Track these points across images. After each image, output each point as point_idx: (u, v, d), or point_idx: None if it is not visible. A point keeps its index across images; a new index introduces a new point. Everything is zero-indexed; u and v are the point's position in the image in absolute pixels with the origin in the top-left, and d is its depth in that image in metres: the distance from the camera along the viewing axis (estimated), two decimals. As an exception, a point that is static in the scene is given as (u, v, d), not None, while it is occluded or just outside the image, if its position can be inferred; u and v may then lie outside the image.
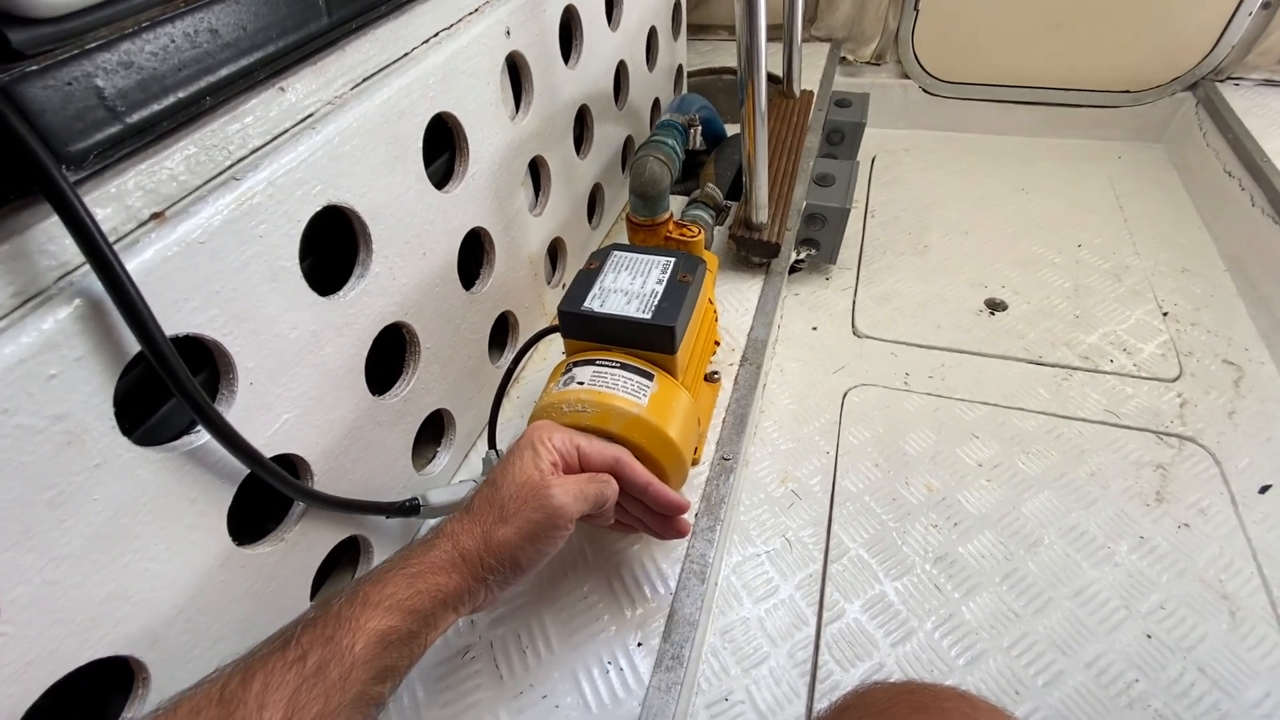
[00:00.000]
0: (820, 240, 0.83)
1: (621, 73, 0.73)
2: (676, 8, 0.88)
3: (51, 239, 0.25)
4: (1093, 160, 1.04)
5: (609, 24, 0.67)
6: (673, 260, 0.47)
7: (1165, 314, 0.78)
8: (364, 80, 0.38)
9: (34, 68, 0.22)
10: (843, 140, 0.96)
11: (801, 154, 0.83)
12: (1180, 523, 0.59)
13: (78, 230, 0.24)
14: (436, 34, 0.44)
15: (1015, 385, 0.72)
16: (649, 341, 0.44)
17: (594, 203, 0.74)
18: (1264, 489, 0.61)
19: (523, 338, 0.61)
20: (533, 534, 0.35)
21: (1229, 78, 0.98)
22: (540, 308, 0.65)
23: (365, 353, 0.41)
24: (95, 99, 0.25)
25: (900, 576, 0.57)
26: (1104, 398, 0.70)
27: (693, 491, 0.52)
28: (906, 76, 1.12)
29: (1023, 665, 0.51)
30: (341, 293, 0.39)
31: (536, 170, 0.60)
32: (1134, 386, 0.71)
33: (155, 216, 0.28)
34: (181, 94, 0.28)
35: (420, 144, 0.42)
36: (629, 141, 0.79)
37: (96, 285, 0.25)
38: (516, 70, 0.54)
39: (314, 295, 0.36)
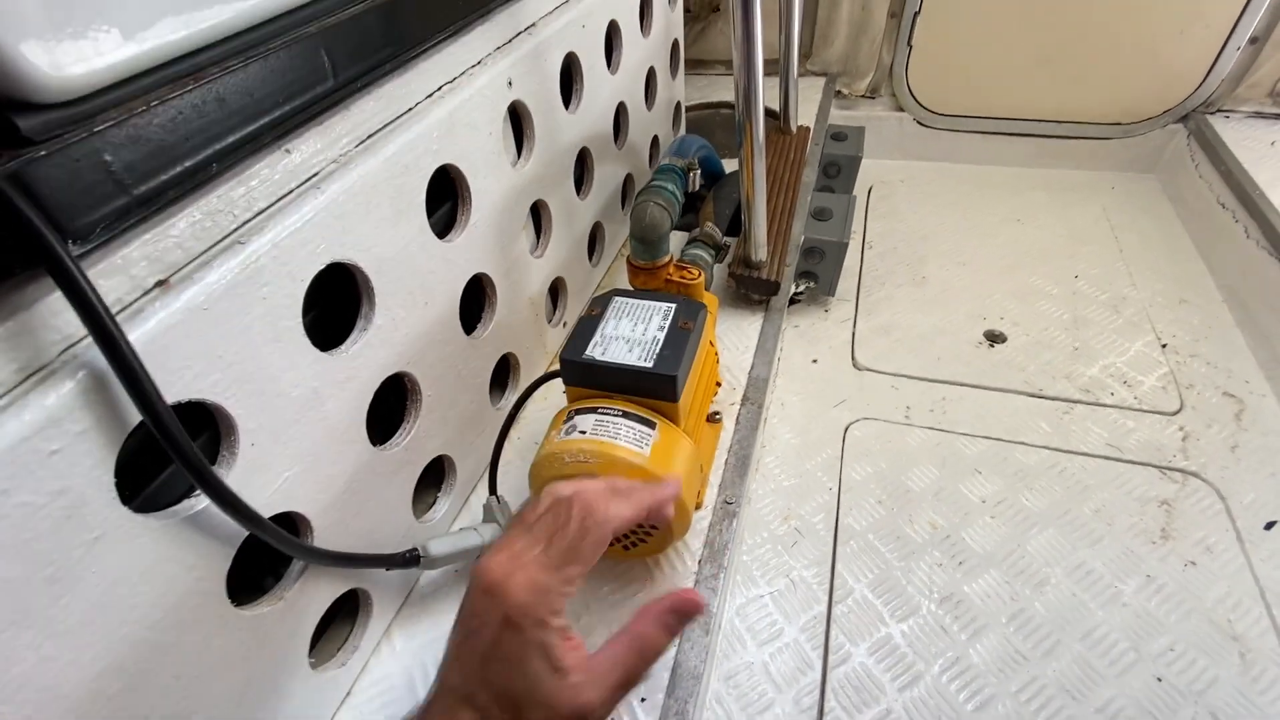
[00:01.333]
0: (819, 273, 0.83)
1: (621, 113, 0.74)
2: (674, 47, 0.89)
3: (56, 313, 0.25)
4: (1086, 191, 1.05)
5: (608, 67, 0.68)
6: (674, 306, 0.47)
7: (1164, 346, 0.79)
8: (368, 137, 0.39)
9: (42, 153, 0.22)
10: (839, 173, 0.97)
11: (799, 189, 0.84)
12: (1187, 560, 0.59)
13: (81, 305, 0.24)
14: (440, 88, 0.44)
15: (1017, 419, 0.72)
16: (651, 390, 0.44)
17: (594, 241, 0.74)
18: (1269, 525, 0.61)
19: (524, 378, 0.62)
20: None
21: (1219, 110, 1.00)
22: (541, 348, 0.65)
23: (367, 405, 0.41)
24: (103, 174, 0.25)
25: (906, 618, 0.56)
26: (1106, 431, 0.70)
27: (695, 537, 0.52)
28: (901, 109, 1.14)
29: (1032, 711, 0.50)
30: (343, 347, 0.39)
31: (538, 213, 0.60)
32: (1135, 420, 0.71)
33: (160, 284, 0.28)
34: (188, 163, 0.29)
35: (423, 197, 0.43)
36: (628, 179, 0.80)
37: (100, 357, 0.25)
38: (518, 117, 0.55)
39: (316, 352, 0.36)
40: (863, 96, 1.15)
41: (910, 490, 0.66)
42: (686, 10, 0.98)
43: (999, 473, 0.67)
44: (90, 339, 0.26)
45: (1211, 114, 1.00)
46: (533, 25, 0.54)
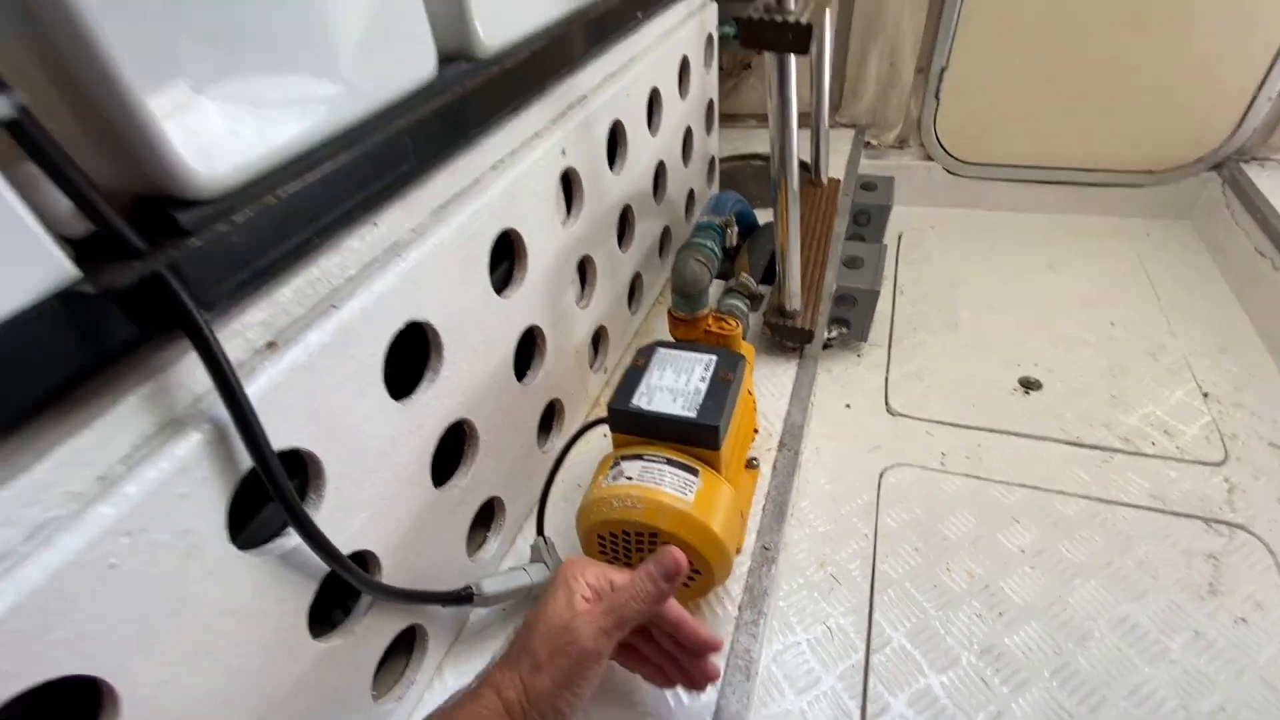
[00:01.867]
0: (851, 319, 0.85)
1: (660, 171, 0.78)
2: (710, 105, 0.94)
3: (188, 373, 0.29)
4: (1120, 237, 1.06)
5: (650, 130, 0.73)
6: (714, 358, 0.50)
7: (1206, 395, 0.78)
8: (442, 207, 0.43)
9: (198, 244, 0.26)
10: (869, 222, 1.00)
11: (831, 239, 0.87)
12: (1237, 617, 0.57)
13: (213, 367, 0.28)
14: (501, 159, 0.49)
15: (1054, 467, 0.72)
16: (694, 438, 0.46)
17: (634, 290, 0.78)
18: (1324, 583, 0.59)
19: (568, 422, 0.64)
20: (567, 680, 0.35)
21: (1254, 158, 1.01)
22: (584, 393, 0.68)
23: (432, 450, 0.44)
24: (233, 254, 0.29)
25: (945, 669, 0.56)
26: (1147, 482, 0.69)
27: (735, 582, 0.53)
28: (930, 158, 1.17)
29: (1079, 771, 0.50)
30: (414, 396, 0.42)
31: (584, 266, 0.64)
32: (1178, 470, 0.70)
33: (270, 345, 0.32)
34: (297, 239, 0.33)
35: (487, 259, 0.47)
36: (666, 231, 0.84)
37: (221, 411, 0.29)
38: (569, 181, 0.59)
39: (393, 402, 0.40)
40: (891, 147, 1.19)
41: (947, 538, 0.66)
42: (720, 69, 1.03)
43: (1037, 522, 0.67)
44: (214, 396, 0.29)
45: (1246, 162, 1.00)
46: (584, 97, 0.59)
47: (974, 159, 1.14)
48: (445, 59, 0.41)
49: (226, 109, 0.27)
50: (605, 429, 0.51)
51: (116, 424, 0.26)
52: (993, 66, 1.06)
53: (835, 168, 1.05)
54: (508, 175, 0.48)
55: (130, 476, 0.26)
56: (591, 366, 0.70)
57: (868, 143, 1.19)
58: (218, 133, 0.27)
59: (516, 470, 0.56)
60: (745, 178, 1.11)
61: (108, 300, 0.25)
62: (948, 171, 1.16)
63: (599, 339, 0.71)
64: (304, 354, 0.33)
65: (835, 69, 1.15)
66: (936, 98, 1.10)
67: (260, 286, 0.32)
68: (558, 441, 0.63)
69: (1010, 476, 0.71)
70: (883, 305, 0.95)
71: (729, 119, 1.26)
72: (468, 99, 0.41)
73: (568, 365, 0.63)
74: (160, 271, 0.24)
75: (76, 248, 0.24)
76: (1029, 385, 0.82)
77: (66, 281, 0.23)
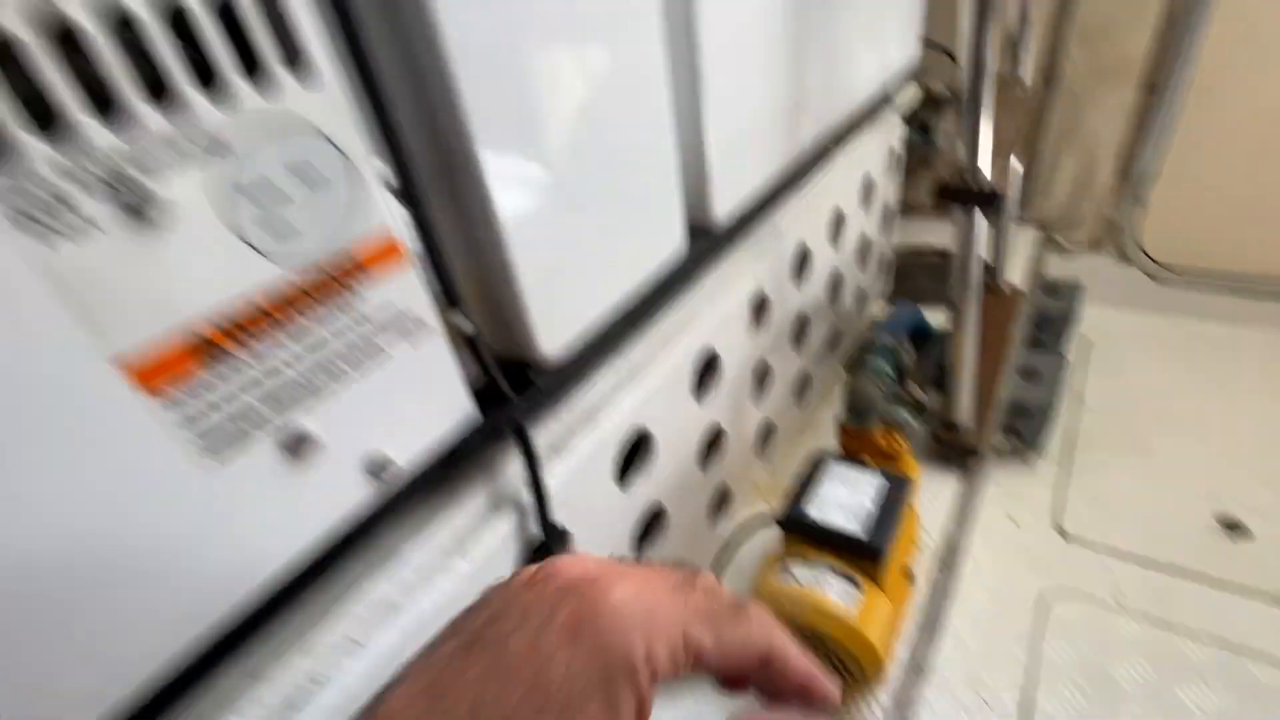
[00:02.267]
0: (1023, 431, 0.84)
1: (838, 280, 0.85)
2: (888, 210, 1.00)
3: (509, 469, 0.42)
4: (1373, 368, 0.93)
5: (831, 245, 0.81)
6: (885, 482, 0.56)
7: None
8: (667, 339, 0.54)
9: (541, 395, 0.39)
10: (1051, 329, 0.98)
11: (1008, 350, 0.87)
12: None
13: (532, 471, 0.41)
14: (712, 295, 0.60)
15: (1257, 627, 0.66)
16: (860, 553, 0.52)
17: (803, 388, 0.85)
18: None
19: (736, 507, 0.73)
20: None
21: None
22: (750, 481, 0.76)
23: (636, 527, 0.55)
24: (553, 396, 0.43)
25: (1104, 824, 0.55)
26: (1381, 666, 0.62)
27: (883, 691, 0.57)
28: (1128, 261, 1.11)
29: None
30: (632, 486, 0.53)
31: (763, 369, 0.73)
32: None
33: (554, 450, 0.45)
34: (579, 376, 0.46)
35: (692, 375, 0.57)
36: (836, 332, 0.91)
37: (525, 497, 0.42)
38: (760, 300, 0.69)
39: (619, 491, 0.51)
40: (1083, 249, 1.14)
41: (1116, 683, 0.64)
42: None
43: (1230, 688, 0.62)
44: (521, 485, 0.42)
45: None
46: (780, 231, 0.68)
47: (1183, 265, 1.06)
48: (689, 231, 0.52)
49: (568, 306, 0.40)
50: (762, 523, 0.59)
51: (471, 505, 0.40)
52: (1214, 171, 1.00)
53: (1019, 266, 1.05)
54: (717, 307, 0.59)
55: (475, 540, 0.39)
56: (759, 458, 0.78)
57: (1056, 242, 1.16)
58: (563, 324, 0.40)
59: (690, 547, 0.66)
60: (918, 272, 1.14)
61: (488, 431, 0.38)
62: (1150, 277, 1.09)
63: (768, 433, 0.79)
64: (573, 457, 0.45)
65: (1025, 168, 1.14)
66: (1141, 201, 1.05)
67: (557, 410, 0.45)
68: (725, 523, 0.72)
69: (1200, 629, 0.67)
70: (1062, 417, 0.92)
71: (905, 209, 1.29)
72: (700, 259, 0.53)
73: (739, 456, 0.71)
74: (524, 416, 0.37)
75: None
76: (1233, 528, 0.76)
77: (475, 423, 0.36)
